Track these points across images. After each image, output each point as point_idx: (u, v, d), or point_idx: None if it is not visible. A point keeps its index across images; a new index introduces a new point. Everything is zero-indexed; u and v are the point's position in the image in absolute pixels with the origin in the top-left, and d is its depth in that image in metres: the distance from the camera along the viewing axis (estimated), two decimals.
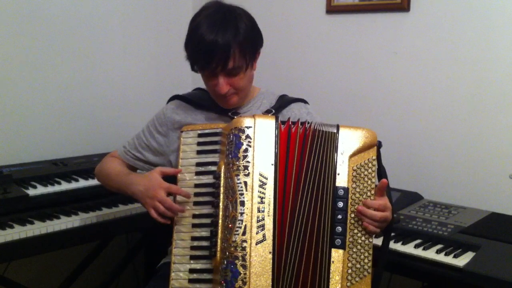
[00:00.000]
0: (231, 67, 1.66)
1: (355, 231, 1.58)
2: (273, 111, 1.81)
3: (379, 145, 1.64)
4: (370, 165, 1.61)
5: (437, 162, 2.41)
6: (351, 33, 2.63)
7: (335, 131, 1.62)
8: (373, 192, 1.60)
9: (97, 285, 2.70)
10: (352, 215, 1.58)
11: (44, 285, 2.69)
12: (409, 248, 1.88)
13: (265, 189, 1.57)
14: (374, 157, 1.62)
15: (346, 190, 1.58)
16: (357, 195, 1.59)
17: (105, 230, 2.25)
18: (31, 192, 2.13)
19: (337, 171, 1.59)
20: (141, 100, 3.01)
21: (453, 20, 2.32)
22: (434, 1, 2.36)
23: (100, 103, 2.83)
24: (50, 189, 2.20)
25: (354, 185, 1.59)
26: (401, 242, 1.92)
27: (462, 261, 1.77)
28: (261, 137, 1.61)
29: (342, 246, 1.56)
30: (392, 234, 1.98)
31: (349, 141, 1.61)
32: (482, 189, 2.28)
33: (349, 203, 1.58)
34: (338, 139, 1.61)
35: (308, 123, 1.64)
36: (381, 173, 1.65)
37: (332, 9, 2.67)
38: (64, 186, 2.25)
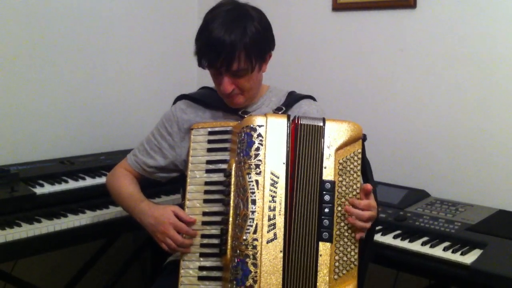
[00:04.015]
0: (235, 69, 1.66)
1: (342, 224, 1.59)
2: (284, 108, 1.81)
3: (364, 138, 1.64)
4: (356, 158, 1.62)
5: (444, 159, 2.40)
6: (357, 30, 2.62)
7: (322, 124, 1.62)
8: (358, 185, 1.60)
9: (104, 283, 2.71)
10: (339, 208, 1.59)
11: (51, 283, 2.70)
12: (416, 246, 1.88)
13: (276, 188, 1.58)
14: (360, 150, 1.63)
15: (332, 183, 1.59)
16: (344, 188, 1.60)
17: (112, 228, 2.26)
18: (38, 190, 2.14)
19: (324, 165, 1.60)
20: (147, 98, 3.02)
21: (459, 17, 2.31)
22: None
23: (106, 102, 2.84)
24: (57, 187, 2.20)
25: (340, 179, 1.60)
26: (408, 240, 1.92)
27: (469, 258, 1.77)
28: (273, 136, 1.61)
29: (330, 239, 1.57)
30: (399, 231, 1.99)
31: (335, 134, 1.61)
32: (489, 187, 2.28)
33: (335, 197, 1.59)
34: (324, 132, 1.62)
35: (297, 117, 1.64)
36: (365, 166, 1.66)
37: (338, 7, 2.66)
38: (71, 184, 2.25)
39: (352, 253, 1.58)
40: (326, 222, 1.57)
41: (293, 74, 2.83)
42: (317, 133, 1.62)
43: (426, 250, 1.85)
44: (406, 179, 2.40)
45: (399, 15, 2.47)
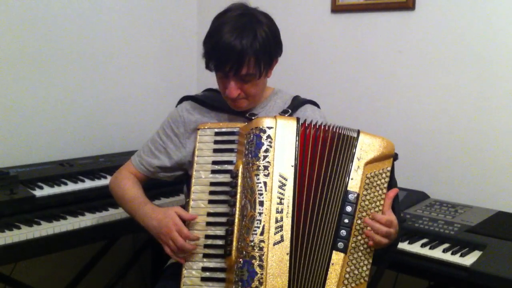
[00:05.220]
0: (244, 74, 1.67)
1: (359, 237, 1.59)
2: (290, 111, 1.81)
3: (395, 157, 1.65)
4: (384, 175, 1.62)
5: (443, 161, 2.40)
6: (356, 32, 2.63)
7: (355, 136, 1.63)
8: (382, 202, 1.60)
9: (103, 285, 2.71)
10: (359, 222, 1.58)
11: (50, 285, 2.70)
12: (415, 247, 1.88)
13: (284, 190, 1.58)
14: (389, 168, 1.63)
15: (356, 195, 1.59)
16: (367, 202, 1.60)
17: (111, 231, 2.25)
18: (37, 193, 2.13)
19: (351, 176, 1.60)
20: (146, 100, 3.02)
21: (458, 18, 2.31)
22: None
23: (105, 104, 2.84)
24: (56, 190, 2.19)
25: (365, 192, 1.60)
26: (407, 241, 1.92)
27: (468, 260, 1.77)
28: (282, 138, 1.61)
29: (344, 250, 1.57)
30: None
31: (367, 148, 1.62)
32: (489, 188, 2.28)
33: (357, 209, 1.59)
34: (357, 144, 1.62)
35: (329, 125, 1.65)
36: (392, 185, 1.66)
37: (337, 8, 2.66)
38: (71, 186, 2.25)
39: (364, 268, 1.58)
40: (343, 232, 1.58)
41: (292, 76, 2.83)
42: (349, 143, 1.62)
43: (426, 251, 1.85)
44: (406, 180, 2.39)
45: (398, 17, 2.48)
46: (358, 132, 1.64)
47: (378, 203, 1.60)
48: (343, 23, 2.67)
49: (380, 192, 1.61)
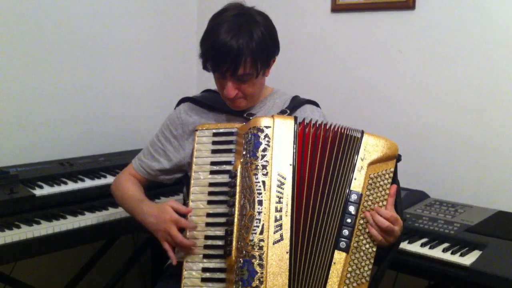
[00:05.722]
0: (240, 74, 1.67)
1: (361, 237, 1.59)
2: (288, 111, 1.81)
3: (398, 158, 1.65)
4: (387, 176, 1.62)
5: (443, 160, 2.40)
6: (356, 31, 2.63)
7: (359, 136, 1.63)
8: (385, 203, 1.61)
9: (103, 285, 2.71)
10: (361, 222, 1.59)
11: (50, 285, 2.70)
12: (415, 247, 1.88)
13: (283, 189, 1.58)
14: (392, 169, 1.63)
15: (359, 195, 1.59)
16: (369, 202, 1.60)
17: (111, 230, 2.25)
18: (37, 192, 2.14)
19: (354, 176, 1.60)
20: (146, 100, 3.02)
21: (458, 18, 2.31)
22: None
23: (105, 103, 2.84)
24: (56, 189, 2.20)
25: (368, 193, 1.60)
26: (407, 241, 1.92)
27: (468, 259, 1.77)
28: (280, 137, 1.61)
29: (346, 250, 1.57)
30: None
31: (371, 148, 1.62)
32: (489, 188, 2.28)
33: (360, 209, 1.59)
34: (360, 144, 1.62)
35: (330, 124, 1.65)
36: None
37: (337, 8, 2.67)
38: (71, 186, 2.25)
39: (366, 268, 1.58)
40: (345, 232, 1.58)
41: (292, 75, 2.83)
42: (353, 144, 1.63)
43: (426, 251, 1.85)
44: (405, 180, 2.38)
45: (398, 16, 2.48)
46: (362, 133, 1.64)
47: (381, 204, 1.60)
48: (343, 23, 2.67)
49: (383, 193, 1.61)
